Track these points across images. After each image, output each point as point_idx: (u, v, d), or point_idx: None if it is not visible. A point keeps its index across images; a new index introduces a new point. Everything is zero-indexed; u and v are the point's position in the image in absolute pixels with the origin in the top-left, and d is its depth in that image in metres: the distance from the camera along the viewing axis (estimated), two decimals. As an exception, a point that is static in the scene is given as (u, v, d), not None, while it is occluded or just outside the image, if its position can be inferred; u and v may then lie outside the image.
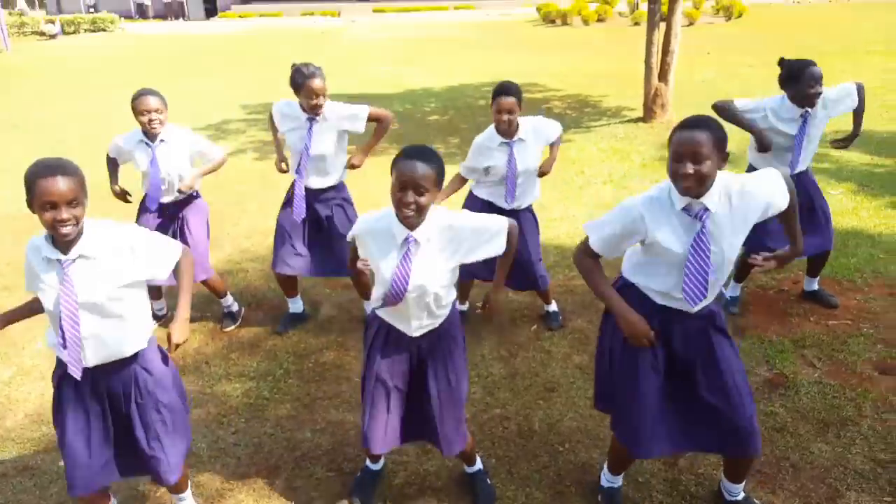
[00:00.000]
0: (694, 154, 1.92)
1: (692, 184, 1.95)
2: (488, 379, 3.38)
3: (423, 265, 2.13)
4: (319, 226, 3.71)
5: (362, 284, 2.40)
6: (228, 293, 4.05)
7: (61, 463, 2.83)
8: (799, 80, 3.47)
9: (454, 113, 9.85)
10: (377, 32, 22.86)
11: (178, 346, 2.18)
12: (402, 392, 2.34)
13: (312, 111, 3.47)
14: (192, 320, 4.07)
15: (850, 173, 6.19)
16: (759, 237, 3.39)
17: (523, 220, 3.59)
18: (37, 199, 1.91)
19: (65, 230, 1.91)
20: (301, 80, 3.39)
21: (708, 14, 20.67)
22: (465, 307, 4.01)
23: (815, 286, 4.01)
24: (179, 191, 3.62)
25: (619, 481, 2.56)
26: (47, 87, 13.47)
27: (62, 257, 1.99)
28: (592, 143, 7.74)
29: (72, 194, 1.91)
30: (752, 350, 3.49)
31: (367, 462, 2.69)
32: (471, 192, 3.70)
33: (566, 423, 3.03)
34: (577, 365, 3.46)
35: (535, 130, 3.49)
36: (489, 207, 3.56)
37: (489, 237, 2.19)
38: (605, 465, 2.57)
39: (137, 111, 3.48)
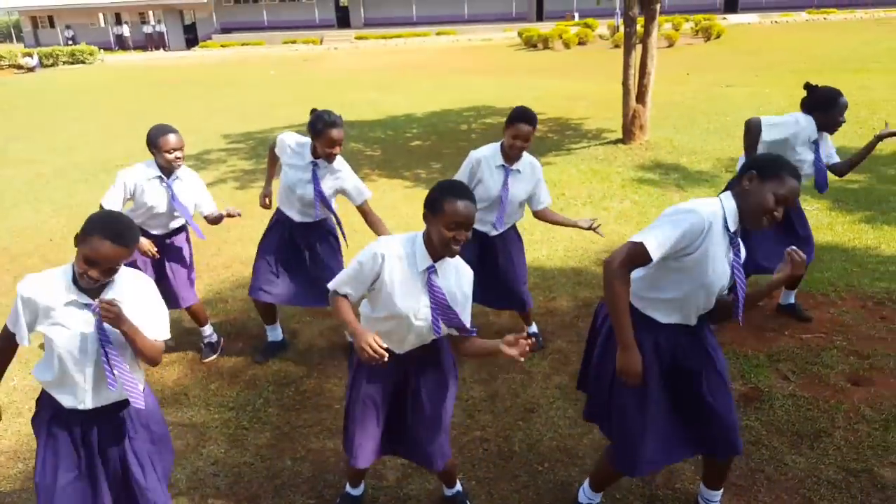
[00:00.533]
0: (788, 202, 2.02)
1: (773, 225, 2.05)
2: (468, 402, 3.40)
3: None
4: (302, 255, 3.71)
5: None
6: (209, 324, 4.05)
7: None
8: (831, 107, 3.54)
9: (436, 138, 9.97)
10: (359, 59, 23.14)
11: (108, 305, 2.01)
12: (385, 408, 2.36)
13: (327, 159, 3.43)
14: (172, 351, 4.06)
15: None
16: (754, 259, 3.50)
17: (508, 241, 3.65)
18: (86, 248, 1.91)
19: (90, 283, 1.95)
20: (322, 127, 3.33)
21: (687, 35, 21.19)
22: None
23: (792, 299, 4.09)
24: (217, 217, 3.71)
25: (598, 498, 2.58)
26: (24, 120, 13.46)
27: (91, 301, 1.99)
28: (573, 165, 7.87)
29: (117, 264, 1.95)
30: (728, 365, 3.53)
31: (347, 487, 2.69)
32: None
33: (545, 442, 3.05)
34: (557, 385, 3.49)
35: (532, 167, 3.54)
36: (475, 235, 3.55)
37: (467, 306, 2.27)
38: (587, 482, 2.58)
39: (163, 149, 3.49)
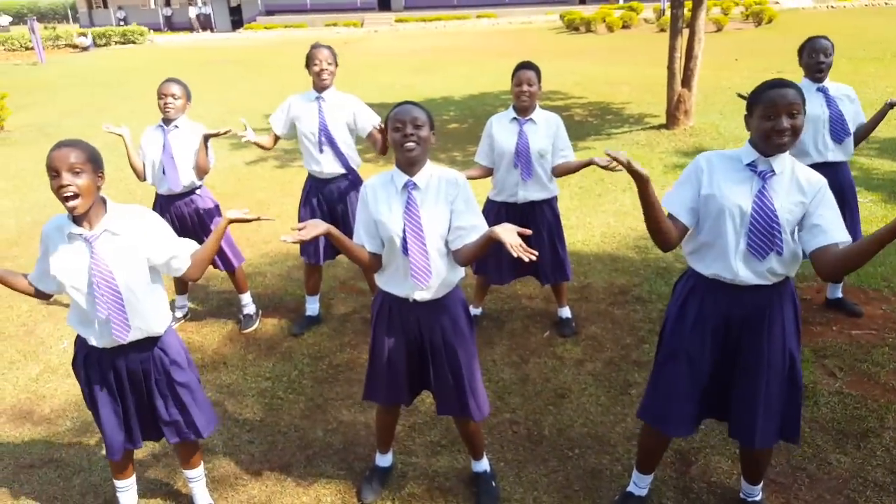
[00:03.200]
0: (789, 108, 1.95)
1: (788, 139, 1.97)
2: (499, 383, 3.38)
3: (423, 210, 2.24)
4: (337, 216, 3.77)
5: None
6: (248, 293, 4.13)
7: (85, 455, 2.92)
8: (802, 52, 3.57)
9: (473, 121, 9.89)
10: (399, 42, 23.10)
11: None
12: (406, 357, 2.40)
13: (320, 85, 3.60)
14: (211, 318, 4.17)
15: (881, 182, 6.06)
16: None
17: (547, 212, 3.62)
18: (47, 169, 1.99)
19: (68, 198, 1.96)
20: (308, 54, 3.59)
21: (737, 20, 20.41)
22: (478, 311, 4.02)
23: (839, 293, 3.93)
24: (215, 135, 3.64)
25: (646, 486, 2.52)
26: (77, 97, 13.90)
27: (88, 233, 2.06)
28: (613, 150, 7.70)
29: (76, 162, 1.97)
30: (792, 356, 3.43)
31: (377, 459, 2.72)
32: (488, 199, 3.71)
33: (576, 428, 3.01)
34: (590, 371, 3.45)
35: (547, 119, 3.52)
36: (506, 210, 3.58)
37: (475, 211, 2.29)
38: (635, 468, 2.52)
39: (158, 94, 3.65)
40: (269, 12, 34.96)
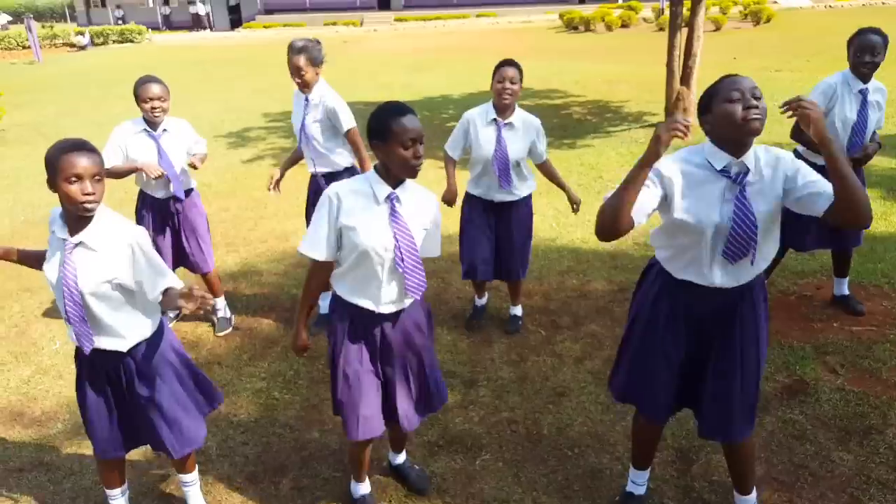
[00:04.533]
0: (753, 91, 1.91)
1: (760, 118, 1.89)
2: (497, 382, 3.34)
3: (408, 224, 2.19)
4: None
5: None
6: (223, 297, 4.03)
7: (75, 458, 2.87)
8: (850, 47, 3.32)
9: (473, 119, 9.84)
10: (398, 41, 23.06)
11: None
12: (374, 376, 2.29)
13: (301, 89, 3.56)
14: (205, 320, 4.12)
15: (879, 178, 6.02)
16: (799, 235, 3.40)
17: (521, 212, 3.60)
18: (62, 173, 1.93)
19: (89, 205, 1.97)
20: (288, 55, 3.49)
21: (735, 19, 20.38)
22: (483, 300, 3.97)
23: (846, 289, 3.87)
24: (191, 165, 3.68)
25: (644, 482, 2.48)
26: (74, 96, 13.84)
27: (68, 238, 2.04)
28: (612, 148, 7.67)
29: (96, 169, 1.97)
30: (772, 356, 3.39)
31: (355, 487, 2.56)
32: (467, 192, 3.63)
33: (576, 427, 2.97)
34: (589, 370, 3.40)
35: (525, 122, 3.44)
36: (482, 206, 3.53)
37: (439, 234, 2.34)
38: (630, 465, 2.49)
39: (140, 98, 3.41)
40: (268, 11, 34.90)
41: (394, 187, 2.15)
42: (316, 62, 3.53)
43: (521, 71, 3.37)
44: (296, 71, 3.46)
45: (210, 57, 20.62)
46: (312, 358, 3.66)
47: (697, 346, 2.15)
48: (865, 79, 3.36)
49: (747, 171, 1.95)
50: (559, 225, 5.42)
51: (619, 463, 2.73)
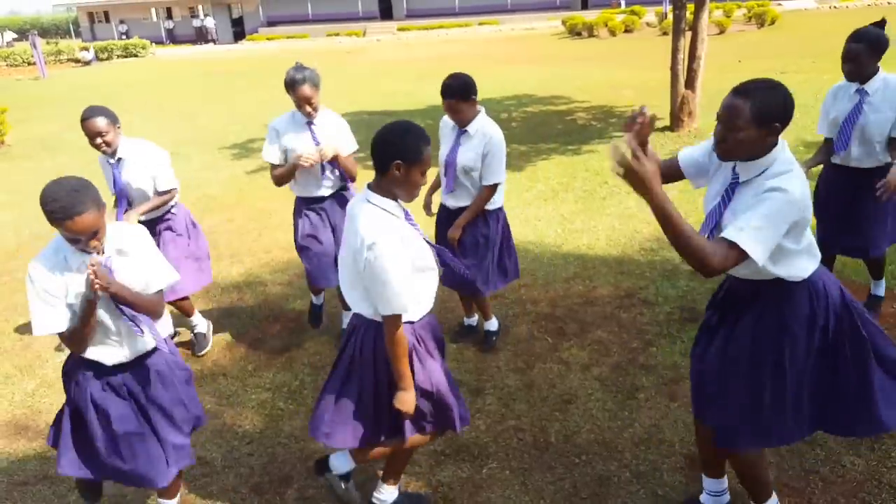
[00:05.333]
0: (722, 115, 1.90)
1: (721, 147, 1.93)
2: (504, 390, 3.32)
3: None
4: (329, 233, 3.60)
5: None
6: (196, 313, 3.89)
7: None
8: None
9: (476, 126, 9.85)
10: (401, 50, 23.17)
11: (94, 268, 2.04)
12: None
13: (307, 116, 3.40)
14: (212, 320, 4.11)
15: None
16: (835, 233, 3.40)
17: (480, 223, 3.39)
18: (60, 228, 1.98)
19: (91, 251, 2.03)
20: (288, 83, 3.34)
21: (739, 22, 20.37)
22: (471, 320, 3.88)
23: (881, 290, 3.77)
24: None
25: (723, 491, 2.41)
26: (78, 111, 13.88)
27: (100, 258, 2.06)
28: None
29: (95, 227, 2.00)
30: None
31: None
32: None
33: (583, 435, 2.94)
34: (596, 376, 3.38)
35: (483, 134, 3.25)
36: (446, 214, 3.46)
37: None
38: (704, 481, 2.41)
39: (86, 135, 3.27)
40: (271, 23, 35.20)
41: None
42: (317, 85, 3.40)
43: (456, 95, 3.19)
44: (305, 101, 3.31)
45: (214, 69, 20.78)
46: (317, 368, 3.65)
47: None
48: (852, 79, 3.24)
49: (738, 179, 1.99)
50: (564, 231, 5.40)
51: (626, 470, 2.70)
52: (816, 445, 2.74)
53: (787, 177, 1.88)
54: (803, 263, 1.99)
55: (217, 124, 11.18)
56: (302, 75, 3.30)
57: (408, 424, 2.27)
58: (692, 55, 8.01)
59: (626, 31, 21.76)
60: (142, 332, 2.15)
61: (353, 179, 3.59)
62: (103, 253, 2.08)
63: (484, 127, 3.28)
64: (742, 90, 1.87)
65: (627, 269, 4.61)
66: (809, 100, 9.02)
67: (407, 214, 2.15)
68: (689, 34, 7.99)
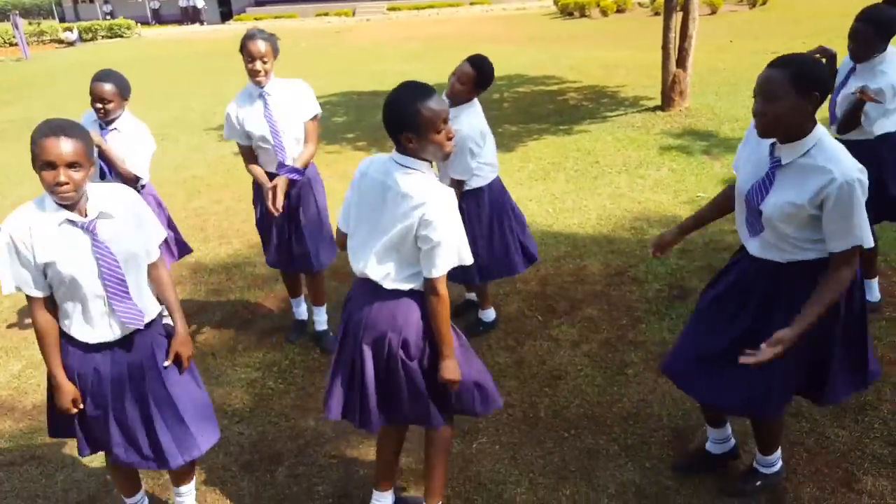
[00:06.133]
0: (759, 88, 1.90)
1: (761, 123, 1.92)
2: (493, 367, 3.32)
3: None
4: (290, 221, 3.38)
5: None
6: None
7: (67, 451, 2.86)
8: None
9: (467, 106, 9.77)
10: (391, 30, 22.89)
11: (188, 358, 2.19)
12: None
13: (253, 78, 3.14)
14: (199, 312, 4.09)
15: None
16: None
17: (484, 198, 3.33)
18: (36, 159, 1.85)
19: (63, 193, 1.86)
20: (241, 42, 3.10)
21: (731, 2, 20.26)
22: (472, 295, 3.87)
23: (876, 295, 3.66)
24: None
25: (727, 437, 2.51)
26: (62, 91, 13.72)
27: (83, 219, 1.94)
28: (608, 133, 7.62)
29: (73, 157, 1.84)
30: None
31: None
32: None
33: (572, 409, 2.96)
34: (586, 353, 3.39)
35: (470, 114, 3.25)
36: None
37: None
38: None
39: (91, 96, 3.26)
40: (259, 3, 34.63)
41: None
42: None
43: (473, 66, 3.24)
44: (256, 58, 3.10)
45: (201, 50, 20.46)
46: (308, 347, 3.64)
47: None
48: (852, 58, 3.21)
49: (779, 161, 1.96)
50: (555, 210, 5.39)
51: (615, 444, 2.73)
52: (801, 418, 2.77)
53: (840, 159, 1.87)
54: None
55: (204, 105, 11.03)
56: (253, 32, 3.12)
57: (434, 410, 2.15)
58: (683, 34, 7.96)
59: (618, 10, 21.58)
60: (134, 305, 2.02)
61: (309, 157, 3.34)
62: (86, 215, 1.95)
63: (458, 119, 3.19)
64: (777, 62, 1.88)
65: (618, 247, 4.62)
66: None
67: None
68: (680, 13, 7.93)
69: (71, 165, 1.85)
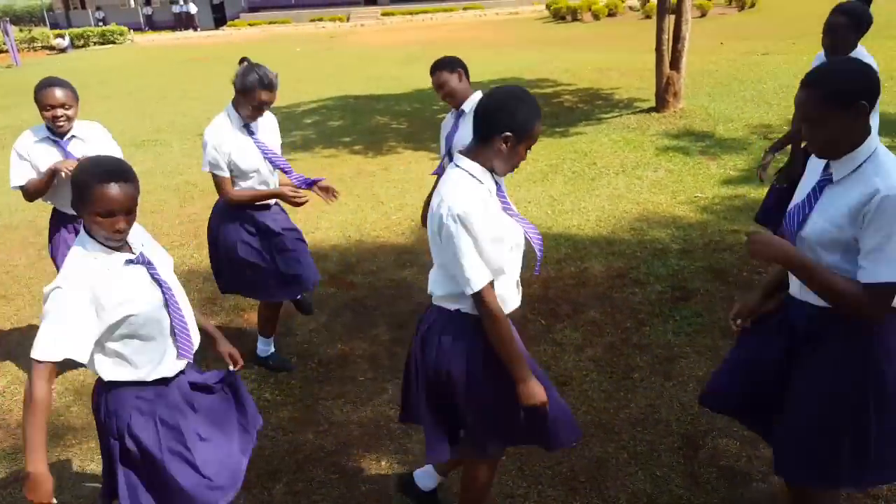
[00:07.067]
0: (800, 111, 1.70)
1: (813, 146, 1.74)
2: (497, 374, 3.25)
3: None
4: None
5: None
6: None
7: (56, 466, 2.75)
8: None
9: (462, 110, 9.72)
10: (385, 35, 22.89)
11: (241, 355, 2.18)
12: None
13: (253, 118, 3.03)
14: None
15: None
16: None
17: None
18: (92, 206, 1.70)
19: (122, 238, 1.79)
20: (252, 83, 2.90)
21: (720, 5, 20.39)
22: None
23: None
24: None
25: None
26: (59, 99, 13.60)
27: (134, 255, 1.86)
28: (604, 135, 7.58)
29: (133, 202, 1.76)
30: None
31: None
32: None
33: (579, 416, 2.88)
34: (591, 357, 3.32)
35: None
36: None
37: None
38: None
39: (41, 105, 2.95)
40: (253, 8, 34.56)
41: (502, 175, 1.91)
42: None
43: (445, 68, 3.12)
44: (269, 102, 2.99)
45: (194, 56, 20.37)
46: (305, 357, 3.55)
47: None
48: (829, 54, 3.22)
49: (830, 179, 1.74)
50: (554, 212, 5.33)
51: (624, 452, 2.65)
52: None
53: (891, 173, 1.61)
54: None
55: (197, 110, 10.94)
56: (269, 78, 2.92)
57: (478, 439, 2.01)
58: (676, 36, 7.95)
59: (610, 14, 21.65)
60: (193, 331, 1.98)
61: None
62: (131, 249, 1.88)
63: (465, 123, 3.11)
64: (808, 80, 1.66)
65: (618, 249, 4.55)
66: (791, 80, 9.01)
67: (500, 188, 1.89)
68: (673, 16, 7.92)
69: (129, 211, 1.76)
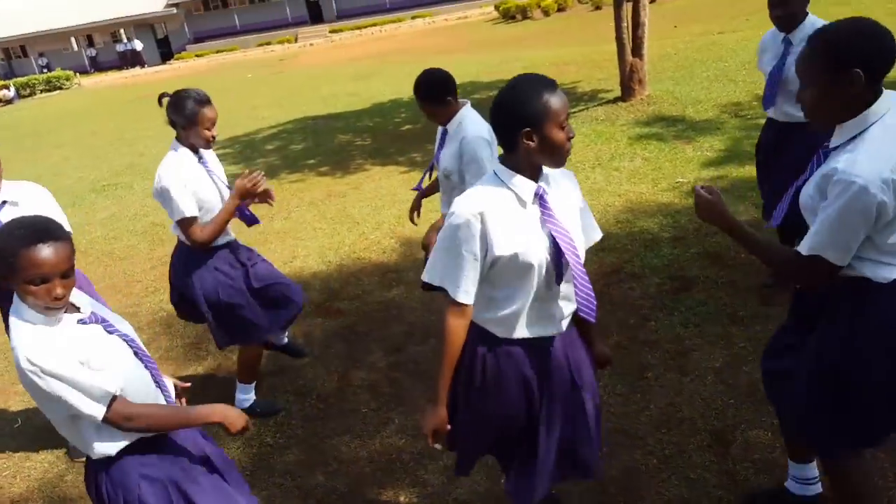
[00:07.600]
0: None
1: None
2: (507, 389, 3.11)
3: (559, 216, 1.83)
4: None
5: None
6: None
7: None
8: None
9: (426, 121, 9.56)
10: (336, 52, 22.73)
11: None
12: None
13: (208, 144, 2.95)
14: (184, 362, 3.79)
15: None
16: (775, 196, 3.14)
17: None
18: (20, 273, 1.52)
19: (62, 305, 1.60)
20: (194, 107, 2.82)
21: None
22: None
23: None
24: None
25: (812, 479, 2.12)
26: (6, 151, 13.09)
27: (81, 316, 1.71)
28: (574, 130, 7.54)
29: (68, 263, 1.57)
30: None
31: None
32: None
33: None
34: (600, 359, 3.21)
35: (459, 129, 2.81)
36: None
37: (587, 211, 2.09)
38: (790, 468, 2.17)
39: None
40: (198, 39, 34.10)
41: (538, 179, 1.73)
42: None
43: (421, 95, 2.85)
44: (213, 122, 2.93)
45: (145, 94, 19.89)
46: (302, 394, 3.37)
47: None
48: (782, 28, 3.10)
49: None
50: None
51: (652, 457, 2.53)
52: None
53: (857, 159, 1.53)
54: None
55: (154, 149, 10.61)
56: (203, 95, 2.83)
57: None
58: (636, 22, 7.95)
59: (560, 9, 21.85)
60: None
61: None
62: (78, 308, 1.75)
63: (462, 123, 2.83)
64: (811, 35, 1.59)
65: (607, 244, 4.47)
66: (752, 56, 9.10)
67: (542, 201, 1.70)
68: (629, 3, 7.93)
69: (66, 275, 1.57)
